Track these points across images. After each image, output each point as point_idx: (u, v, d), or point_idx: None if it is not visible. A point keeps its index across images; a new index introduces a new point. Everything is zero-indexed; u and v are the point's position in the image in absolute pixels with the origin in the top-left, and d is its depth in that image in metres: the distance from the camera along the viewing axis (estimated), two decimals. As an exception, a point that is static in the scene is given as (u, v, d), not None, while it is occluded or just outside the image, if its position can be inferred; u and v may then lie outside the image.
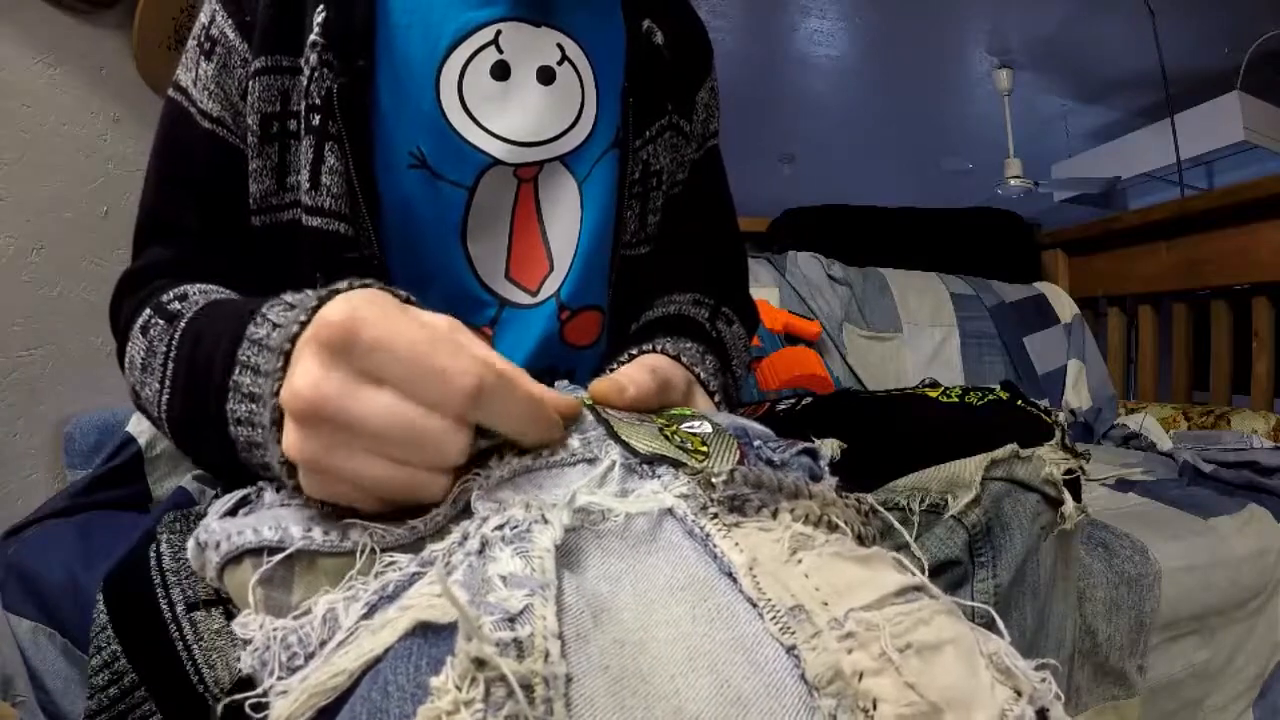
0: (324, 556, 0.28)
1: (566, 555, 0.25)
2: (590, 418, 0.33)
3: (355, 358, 0.26)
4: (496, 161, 0.51)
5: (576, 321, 0.57)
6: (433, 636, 0.22)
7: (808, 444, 0.34)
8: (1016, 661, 0.23)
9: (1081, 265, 1.85)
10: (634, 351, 0.48)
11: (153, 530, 0.46)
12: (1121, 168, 2.92)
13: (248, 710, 0.25)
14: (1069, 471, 0.47)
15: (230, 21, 0.50)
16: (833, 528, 0.29)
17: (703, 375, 0.47)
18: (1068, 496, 0.46)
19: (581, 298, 0.56)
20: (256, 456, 0.33)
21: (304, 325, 0.29)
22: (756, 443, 0.33)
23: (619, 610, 0.24)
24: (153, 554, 0.44)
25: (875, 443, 0.47)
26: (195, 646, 0.41)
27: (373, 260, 0.50)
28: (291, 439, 0.28)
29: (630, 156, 0.56)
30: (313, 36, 0.47)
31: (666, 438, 0.32)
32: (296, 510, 0.30)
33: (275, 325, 0.32)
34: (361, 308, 0.27)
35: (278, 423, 0.29)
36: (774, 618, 0.24)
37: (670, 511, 0.28)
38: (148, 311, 0.44)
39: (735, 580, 0.25)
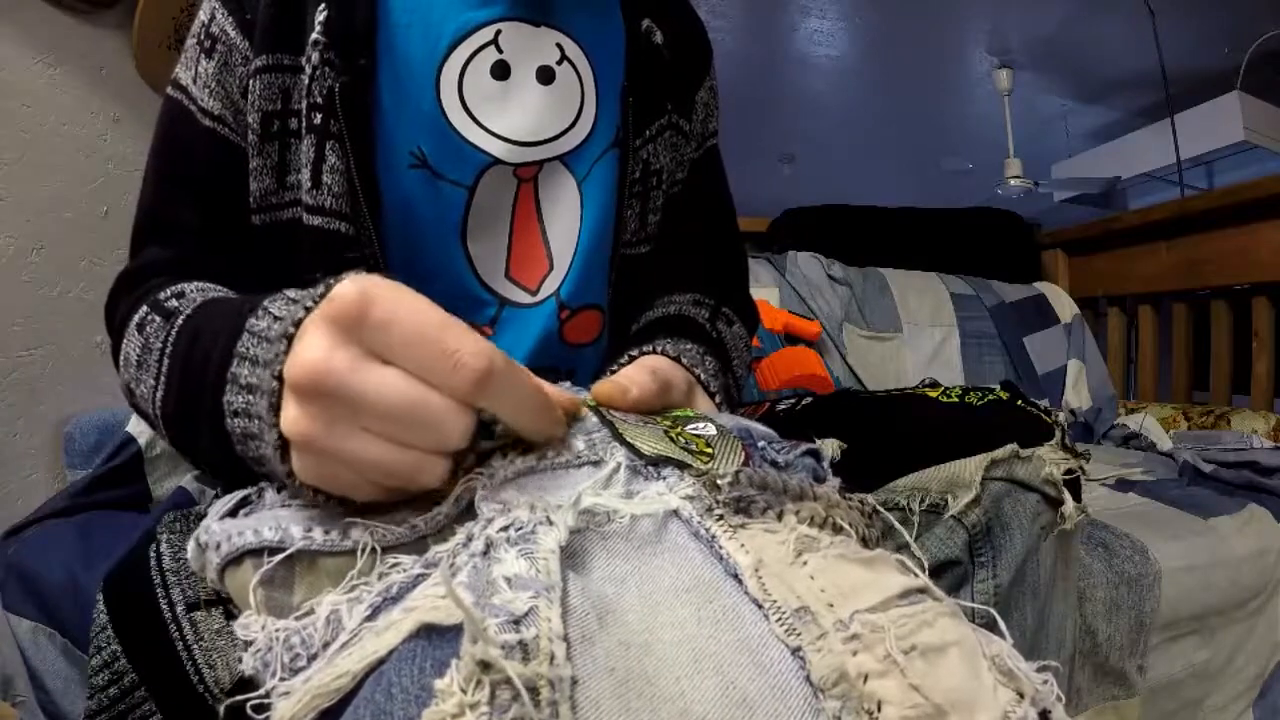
0: (325, 556, 0.28)
1: (571, 557, 0.25)
2: (594, 419, 0.33)
3: (365, 334, 0.26)
4: (496, 161, 0.51)
5: (576, 321, 0.57)
6: (437, 638, 0.22)
7: (811, 445, 0.34)
8: (1019, 663, 0.23)
9: (1081, 265, 1.85)
10: (634, 353, 0.48)
11: (153, 530, 0.46)
12: (1121, 168, 2.93)
13: (249, 711, 0.25)
14: (1069, 471, 0.47)
15: (230, 19, 0.50)
16: (837, 529, 0.29)
17: (703, 377, 0.47)
18: (1068, 496, 0.46)
19: (581, 297, 0.56)
20: (252, 449, 0.32)
21: (309, 311, 0.29)
22: (761, 444, 0.33)
23: (624, 612, 0.23)
24: (153, 554, 0.44)
25: (875, 443, 0.48)
26: (195, 646, 0.41)
27: (373, 259, 0.50)
28: (291, 414, 0.27)
29: (630, 156, 0.56)
30: (315, 35, 0.47)
31: (671, 439, 0.32)
32: (297, 511, 0.30)
33: (276, 318, 0.32)
34: (372, 287, 0.26)
35: (275, 408, 0.29)
36: (779, 619, 0.24)
37: (675, 513, 0.28)
38: (144, 309, 0.44)
39: (741, 582, 0.25)
